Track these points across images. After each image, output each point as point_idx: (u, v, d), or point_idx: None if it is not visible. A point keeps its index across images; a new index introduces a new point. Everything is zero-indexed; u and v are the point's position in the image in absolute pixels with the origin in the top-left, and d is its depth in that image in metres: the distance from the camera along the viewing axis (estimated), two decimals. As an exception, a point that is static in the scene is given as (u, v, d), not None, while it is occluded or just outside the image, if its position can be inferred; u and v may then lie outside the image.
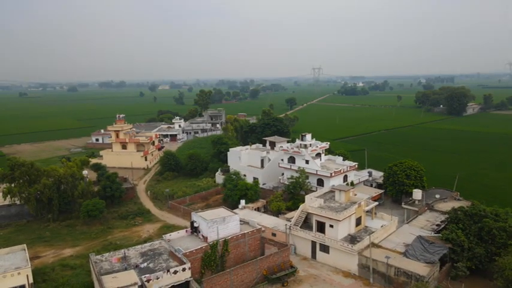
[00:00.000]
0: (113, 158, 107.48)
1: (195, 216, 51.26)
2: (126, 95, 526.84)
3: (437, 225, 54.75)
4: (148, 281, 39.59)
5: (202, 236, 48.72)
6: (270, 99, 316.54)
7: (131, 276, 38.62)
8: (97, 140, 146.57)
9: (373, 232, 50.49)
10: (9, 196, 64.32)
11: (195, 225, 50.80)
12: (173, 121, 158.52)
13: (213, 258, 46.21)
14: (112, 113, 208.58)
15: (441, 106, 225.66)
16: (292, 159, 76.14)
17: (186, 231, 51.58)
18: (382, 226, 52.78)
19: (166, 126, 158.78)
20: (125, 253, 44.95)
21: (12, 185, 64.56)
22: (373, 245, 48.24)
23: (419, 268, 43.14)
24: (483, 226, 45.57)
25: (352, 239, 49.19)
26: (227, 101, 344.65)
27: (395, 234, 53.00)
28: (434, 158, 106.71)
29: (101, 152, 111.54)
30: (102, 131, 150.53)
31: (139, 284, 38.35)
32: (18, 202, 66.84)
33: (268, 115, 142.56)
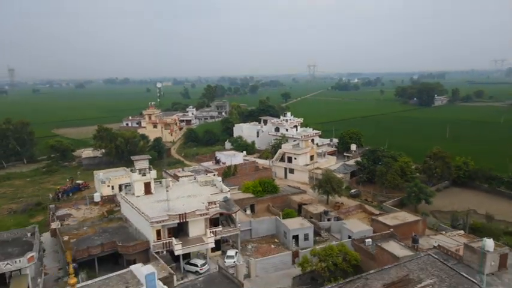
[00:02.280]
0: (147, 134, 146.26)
1: (217, 154, 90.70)
2: (133, 91, 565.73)
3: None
4: (195, 177, 78.72)
5: (222, 163, 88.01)
6: (268, 94, 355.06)
7: (189, 173, 77.81)
8: (127, 124, 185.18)
9: (318, 162, 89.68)
10: (96, 150, 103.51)
11: (217, 159, 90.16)
12: (187, 109, 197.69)
13: (229, 173, 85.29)
14: (127, 106, 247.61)
15: (415, 99, 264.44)
16: (277, 129, 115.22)
17: (212, 162, 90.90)
18: (325, 160, 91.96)
19: (181, 113, 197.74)
20: (183, 169, 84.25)
21: (100, 142, 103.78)
22: (318, 168, 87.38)
23: (338, 175, 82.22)
24: (376, 156, 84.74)
25: (307, 165, 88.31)
26: (229, 96, 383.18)
27: (334, 166, 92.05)
28: (387, 134, 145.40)
29: (139, 130, 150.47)
30: (130, 117, 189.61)
31: (193, 176, 77.48)
32: (98, 155, 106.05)
33: (264, 103, 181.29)
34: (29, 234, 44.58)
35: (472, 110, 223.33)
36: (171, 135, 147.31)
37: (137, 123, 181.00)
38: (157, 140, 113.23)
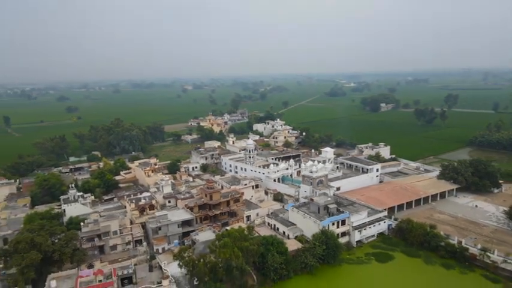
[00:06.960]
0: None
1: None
2: (164, 96, 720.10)
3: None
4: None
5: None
6: (273, 102, 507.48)
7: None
8: (191, 123, 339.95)
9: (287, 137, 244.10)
10: (195, 135, 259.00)
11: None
12: (224, 115, 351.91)
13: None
14: (174, 110, 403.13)
15: (368, 107, 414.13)
16: (273, 126, 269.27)
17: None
18: (290, 137, 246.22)
19: (220, 117, 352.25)
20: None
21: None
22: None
23: (292, 142, 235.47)
24: (308, 133, 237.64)
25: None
26: (245, 102, 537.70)
27: (292, 139, 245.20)
28: (333, 127, 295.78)
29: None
30: (192, 119, 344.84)
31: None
32: (196, 136, 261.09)
33: (268, 112, 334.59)
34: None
35: (396, 114, 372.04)
36: (222, 129, 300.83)
37: (197, 123, 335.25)
38: (221, 131, 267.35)
